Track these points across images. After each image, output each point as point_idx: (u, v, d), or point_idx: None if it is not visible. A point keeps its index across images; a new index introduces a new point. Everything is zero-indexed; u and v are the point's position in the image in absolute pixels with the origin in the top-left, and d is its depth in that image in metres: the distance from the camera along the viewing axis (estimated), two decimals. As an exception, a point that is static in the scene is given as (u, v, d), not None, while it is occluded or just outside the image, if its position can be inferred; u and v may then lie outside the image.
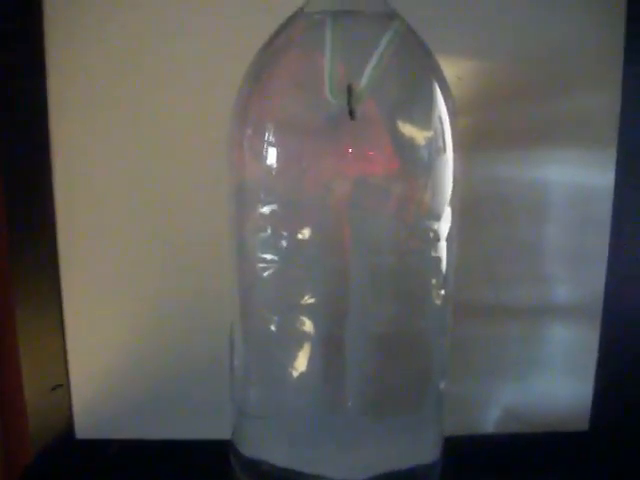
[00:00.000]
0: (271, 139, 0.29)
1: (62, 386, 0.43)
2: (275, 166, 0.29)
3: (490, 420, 0.44)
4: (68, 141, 0.40)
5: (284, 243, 0.30)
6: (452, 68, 0.39)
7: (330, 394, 0.32)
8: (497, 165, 0.41)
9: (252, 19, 0.36)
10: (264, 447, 0.33)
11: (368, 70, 0.28)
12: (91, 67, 0.39)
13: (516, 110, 0.41)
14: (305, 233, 0.30)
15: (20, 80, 0.39)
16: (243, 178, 0.31)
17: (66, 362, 0.43)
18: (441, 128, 0.30)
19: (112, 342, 0.42)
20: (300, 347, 0.31)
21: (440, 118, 0.30)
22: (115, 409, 0.43)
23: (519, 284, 0.43)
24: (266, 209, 0.30)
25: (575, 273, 0.43)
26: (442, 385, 0.33)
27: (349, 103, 0.28)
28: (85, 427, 0.43)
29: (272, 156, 0.29)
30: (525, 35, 0.40)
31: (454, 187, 0.31)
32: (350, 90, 0.28)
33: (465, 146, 0.37)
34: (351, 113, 0.28)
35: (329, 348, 0.31)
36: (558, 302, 0.43)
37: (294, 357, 0.31)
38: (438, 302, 0.32)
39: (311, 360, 0.31)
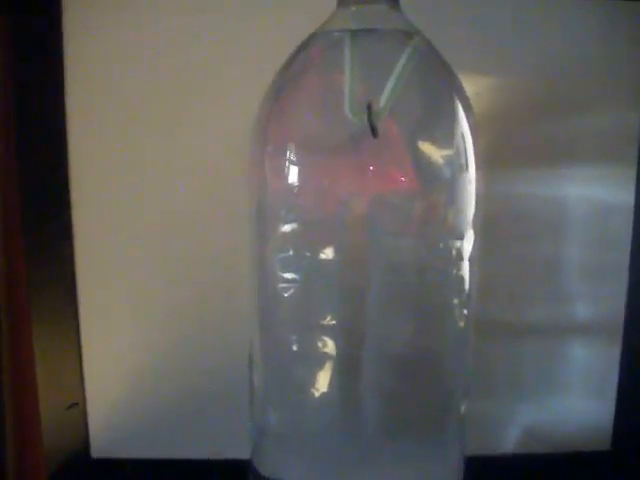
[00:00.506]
0: (292, 158, 0.29)
1: (78, 405, 0.42)
2: (296, 185, 0.29)
3: (510, 440, 0.43)
4: (86, 156, 0.40)
5: (305, 262, 0.30)
6: (470, 84, 0.39)
7: (349, 415, 0.31)
8: (516, 182, 0.41)
9: (271, 36, 0.37)
10: (283, 467, 0.32)
11: (388, 87, 0.28)
12: (110, 82, 0.40)
13: (535, 127, 0.40)
14: (326, 252, 0.30)
15: (39, 96, 0.40)
16: (264, 197, 0.31)
17: (82, 380, 0.42)
18: (463, 145, 0.30)
19: (129, 361, 0.42)
20: (320, 367, 0.30)
21: (462, 135, 0.30)
22: (131, 428, 0.42)
23: (539, 303, 0.42)
24: (287, 228, 0.30)
25: (596, 291, 0.42)
26: (464, 407, 0.33)
27: (370, 121, 0.28)
28: (101, 446, 0.43)
29: (293, 175, 0.29)
30: (545, 51, 0.40)
31: (476, 205, 0.31)
32: (370, 108, 0.28)
33: (483, 164, 0.37)
34: (373, 131, 0.28)
35: (349, 368, 0.31)
36: (579, 320, 0.43)
37: (313, 377, 0.31)
38: (460, 323, 0.31)
39: (330, 380, 0.31)
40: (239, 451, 0.35)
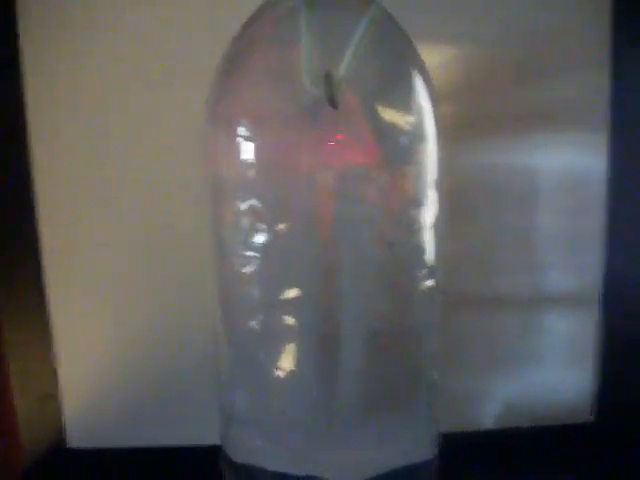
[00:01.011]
0: (246, 133, 0.28)
1: (53, 396, 0.42)
2: (251, 161, 0.28)
3: (490, 415, 0.43)
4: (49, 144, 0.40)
5: (264, 237, 0.29)
6: (437, 53, 0.39)
7: (319, 394, 0.31)
8: (485, 152, 0.40)
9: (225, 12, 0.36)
10: (254, 452, 0.32)
11: (346, 56, 0.27)
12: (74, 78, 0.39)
13: (503, 95, 0.40)
14: (286, 228, 0.29)
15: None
16: (219, 175, 0.30)
17: (56, 372, 0.42)
18: (421, 115, 0.29)
19: (101, 351, 0.42)
20: (285, 346, 0.30)
21: (420, 105, 0.29)
22: (106, 418, 0.42)
23: (513, 274, 0.42)
24: (244, 206, 0.29)
25: (570, 260, 0.42)
26: (434, 377, 0.32)
27: (328, 90, 0.27)
28: (76, 436, 0.42)
29: (247, 151, 0.28)
30: (510, 18, 0.39)
31: (438, 174, 0.30)
32: (329, 78, 0.27)
33: (452, 133, 0.36)
34: (332, 101, 0.27)
35: (315, 346, 0.30)
36: (554, 291, 0.42)
37: (279, 357, 0.30)
38: (425, 293, 0.31)
39: (297, 359, 0.30)
40: (214, 437, 0.34)
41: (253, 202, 0.29)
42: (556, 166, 0.41)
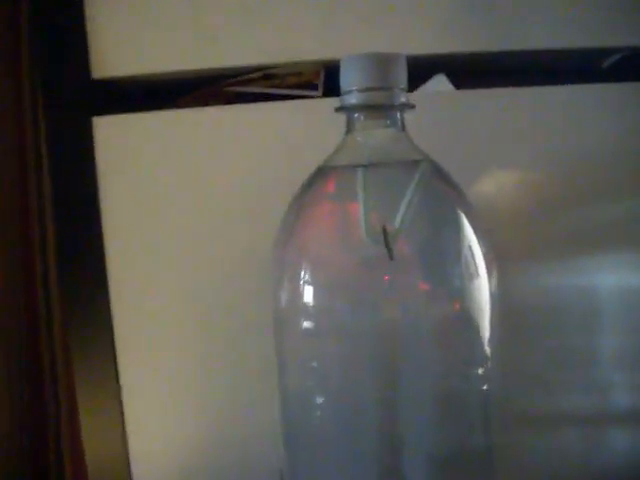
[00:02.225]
0: (308, 280, 0.31)
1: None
2: (312, 304, 0.31)
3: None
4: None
5: (329, 382, 0.31)
6: (491, 181, 0.40)
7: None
8: (545, 274, 0.41)
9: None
10: None
11: (401, 211, 0.29)
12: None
13: (561, 218, 0.41)
14: (347, 370, 0.31)
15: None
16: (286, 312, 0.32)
17: (129, 466, 0.43)
18: (471, 255, 0.31)
19: (174, 448, 0.43)
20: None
21: (470, 246, 0.31)
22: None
23: (576, 393, 0.41)
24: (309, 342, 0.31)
25: (633, 379, 0.41)
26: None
27: (386, 242, 0.29)
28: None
29: (308, 295, 0.31)
30: (567, 139, 0.41)
31: (492, 306, 0.31)
32: (385, 231, 0.29)
33: (513, 257, 0.37)
34: (389, 251, 0.29)
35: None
36: (618, 410, 0.42)
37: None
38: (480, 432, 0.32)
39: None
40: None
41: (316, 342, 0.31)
42: (614, 286, 0.41)
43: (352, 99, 0.31)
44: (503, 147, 0.41)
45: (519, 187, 0.40)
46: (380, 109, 0.31)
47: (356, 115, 0.31)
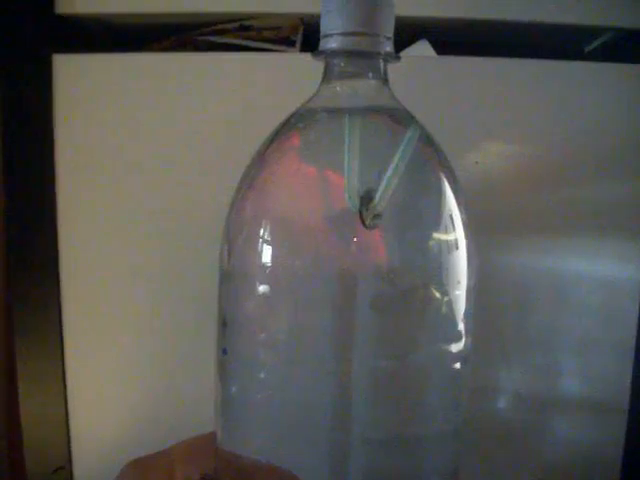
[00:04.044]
0: (267, 237, 0.28)
1: (64, 468, 0.42)
2: (270, 263, 0.28)
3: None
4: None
5: (281, 340, 0.29)
6: (471, 152, 0.39)
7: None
8: (516, 251, 0.40)
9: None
10: None
11: (383, 184, 0.27)
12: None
13: (539, 196, 0.40)
14: (302, 329, 0.29)
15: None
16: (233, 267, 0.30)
17: (69, 444, 0.42)
18: (452, 225, 0.29)
19: (115, 425, 0.42)
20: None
21: (451, 215, 0.29)
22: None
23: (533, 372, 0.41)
24: (262, 305, 0.29)
25: (594, 366, 0.41)
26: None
27: (361, 213, 0.27)
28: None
29: (267, 253, 0.28)
30: (551, 118, 0.40)
31: (469, 281, 0.30)
32: (365, 200, 0.27)
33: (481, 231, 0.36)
34: (364, 223, 0.27)
35: (332, 452, 0.30)
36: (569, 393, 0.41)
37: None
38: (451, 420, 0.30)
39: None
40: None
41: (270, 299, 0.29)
42: (588, 271, 0.40)
43: (332, 43, 0.28)
44: (485, 116, 0.39)
45: (497, 158, 0.39)
46: (363, 56, 0.28)
47: (336, 61, 0.29)
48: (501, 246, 0.39)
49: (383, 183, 0.27)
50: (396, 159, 0.27)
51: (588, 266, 0.40)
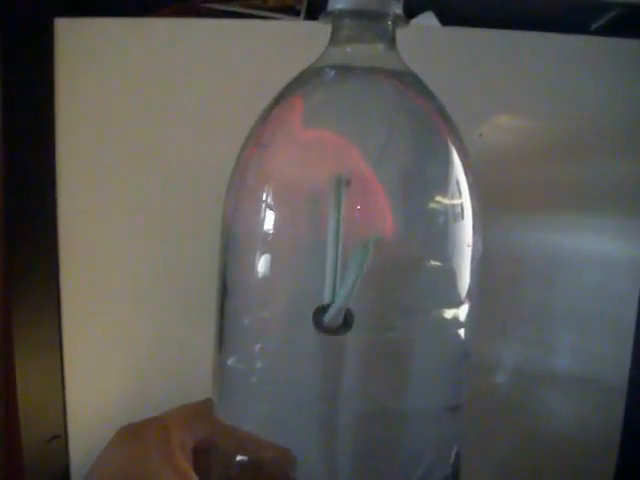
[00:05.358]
0: (270, 201, 0.28)
1: (59, 437, 0.41)
2: (271, 229, 0.28)
3: None
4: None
5: (275, 309, 0.29)
6: (474, 125, 0.38)
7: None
8: (513, 225, 0.39)
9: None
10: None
11: (342, 294, 0.26)
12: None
13: (539, 170, 0.39)
14: (303, 296, 0.28)
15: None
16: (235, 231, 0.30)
17: (64, 413, 0.41)
18: (458, 192, 0.29)
19: (111, 394, 0.41)
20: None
21: (457, 182, 0.29)
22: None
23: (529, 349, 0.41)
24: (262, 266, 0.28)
25: (590, 344, 0.41)
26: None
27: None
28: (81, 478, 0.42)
29: (269, 219, 0.28)
30: (554, 95, 0.39)
31: (474, 251, 0.29)
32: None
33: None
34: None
35: (326, 425, 0.29)
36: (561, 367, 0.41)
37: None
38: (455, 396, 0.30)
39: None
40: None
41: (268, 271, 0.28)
42: (586, 248, 0.40)
43: (340, 4, 0.27)
44: (489, 89, 0.39)
45: (501, 131, 0.39)
46: (372, 17, 0.28)
47: (343, 22, 0.28)
48: (500, 220, 0.39)
49: (337, 301, 0.26)
50: (350, 281, 0.26)
51: (588, 243, 0.40)
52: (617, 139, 0.39)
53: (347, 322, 0.26)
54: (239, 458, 0.29)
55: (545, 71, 0.39)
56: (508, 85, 0.39)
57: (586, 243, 0.40)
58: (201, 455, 0.31)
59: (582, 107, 0.39)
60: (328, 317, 0.26)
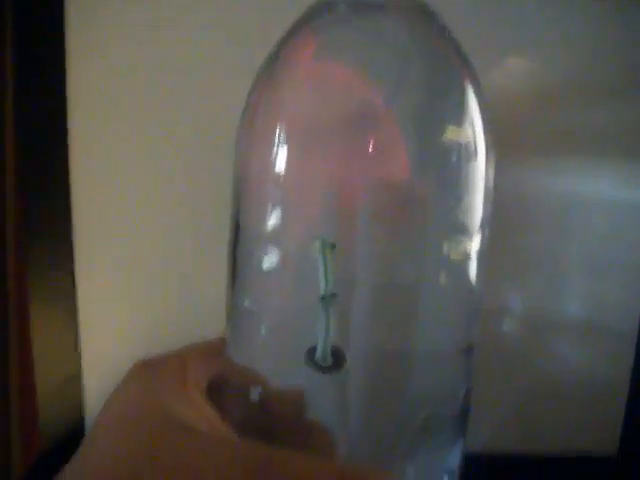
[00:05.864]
0: (282, 139, 0.27)
1: (74, 377, 0.42)
2: (284, 168, 0.28)
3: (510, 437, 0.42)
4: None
5: (286, 251, 0.28)
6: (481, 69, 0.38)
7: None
8: (523, 171, 0.39)
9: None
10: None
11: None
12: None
13: (549, 115, 0.39)
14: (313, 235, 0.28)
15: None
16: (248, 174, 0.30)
17: (79, 353, 0.42)
18: (472, 132, 0.28)
19: (126, 338, 0.42)
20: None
21: (472, 121, 0.28)
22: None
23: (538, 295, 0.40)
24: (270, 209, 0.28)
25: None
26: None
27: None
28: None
29: (282, 156, 0.27)
30: (561, 38, 0.38)
31: (485, 197, 0.29)
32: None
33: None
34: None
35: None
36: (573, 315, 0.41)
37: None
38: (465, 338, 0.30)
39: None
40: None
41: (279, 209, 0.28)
42: (594, 193, 0.39)
43: None
44: (495, 33, 0.38)
45: (506, 75, 0.38)
46: None
47: None
48: (505, 164, 0.39)
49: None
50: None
51: (601, 188, 0.39)
52: (634, 81, 0.39)
53: (338, 361, 0.26)
54: (252, 394, 0.29)
55: (550, 17, 0.38)
56: (514, 30, 0.38)
57: (599, 188, 0.39)
58: (214, 392, 0.31)
59: (586, 53, 0.38)
60: (318, 357, 0.26)
